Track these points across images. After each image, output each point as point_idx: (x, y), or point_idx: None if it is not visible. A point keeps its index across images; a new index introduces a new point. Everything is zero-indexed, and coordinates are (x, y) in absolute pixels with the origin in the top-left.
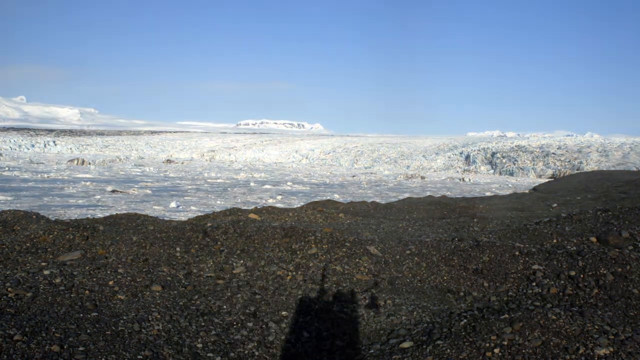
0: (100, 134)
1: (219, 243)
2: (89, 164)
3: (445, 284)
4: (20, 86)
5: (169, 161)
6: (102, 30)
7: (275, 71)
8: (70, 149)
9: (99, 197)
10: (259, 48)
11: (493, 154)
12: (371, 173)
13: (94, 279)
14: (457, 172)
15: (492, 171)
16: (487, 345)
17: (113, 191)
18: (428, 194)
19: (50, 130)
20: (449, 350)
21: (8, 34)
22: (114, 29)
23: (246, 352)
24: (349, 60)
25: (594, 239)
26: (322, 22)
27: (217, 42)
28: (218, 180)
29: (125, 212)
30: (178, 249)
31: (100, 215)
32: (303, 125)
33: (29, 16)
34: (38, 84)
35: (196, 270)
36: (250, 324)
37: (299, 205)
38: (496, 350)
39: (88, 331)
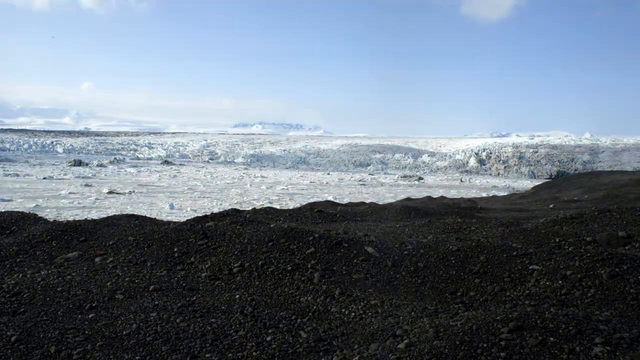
0: (100, 134)
1: (217, 244)
2: (87, 164)
3: (443, 284)
4: None
5: (167, 162)
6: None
7: (273, 71)
8: (69, 149)
9: (95, 198)
10: (258, 47)
11: (491, 155)
12: (369, 174)
13: (92, 280)
14: (456, 172)
15: (490, 172)
16: (485, 345)
17: (109, 192)
18: (426, 194)
19: (49, 131)
20: (446, 351)
21: None
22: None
23: (244, 352)
24: (348, 61)
25: (591, 239)
26: (322, 21)
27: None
28: (216, 182)
29: (122, 213)
30: (176, 249)
31: (97, 216)
32: (302, 127)
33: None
34: None
35: (194, 271)
36: (248, 325)
37: (297, 206)
38: (493, 350)
39: (86, 332)
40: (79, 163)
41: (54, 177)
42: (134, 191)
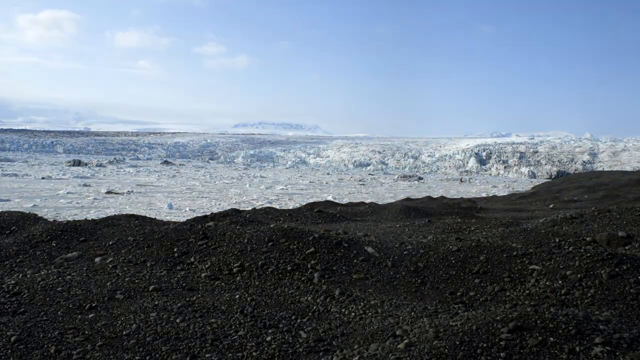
0: (99, 134)
1: (217, 244)
2: (86, 164)
3: (443, 284)
4: None
5: (166, 162)
6: None
7: (274, 72)
8: (69, 149)
9: (93, 198)
10: (255, 48)
11: (491, 155)
12: (369, 174)
13: (92, 280)
14: (456, 172)
15: (490, 172)
16: (485, 345)
17: (108, 192)
18: (426, 194)
19: (48, 132)
20: (446, 351)
21: None
22: None
23: (244, 352)
24: (347, 62)
25: (591, 239)
26: (322, 21)
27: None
28: (215, 181)
29: (121, 213)
30: (176, 249)
31: (95, 216)
32: (301, 127)
33: None
34: None
35: (194, 271)
36: (248, 325)
37: (296, 206)
38: (493, 350)
39: (86, 332)
40: (77, 163)
41: (53, 177)
42: (132, 191)
